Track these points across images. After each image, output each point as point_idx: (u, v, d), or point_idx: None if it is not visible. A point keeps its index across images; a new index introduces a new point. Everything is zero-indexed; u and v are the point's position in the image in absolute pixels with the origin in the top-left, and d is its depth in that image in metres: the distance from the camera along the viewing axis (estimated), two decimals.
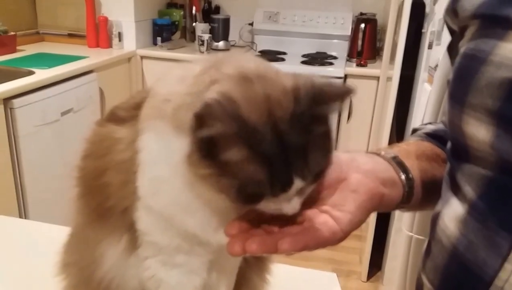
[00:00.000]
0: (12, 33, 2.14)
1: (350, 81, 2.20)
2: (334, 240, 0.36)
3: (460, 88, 0.40)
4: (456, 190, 0.42)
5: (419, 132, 0.55)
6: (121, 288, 0.42)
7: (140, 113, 0.38)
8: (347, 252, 2.12)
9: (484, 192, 0.39)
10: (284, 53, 2.49)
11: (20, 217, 1.64)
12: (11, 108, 1.56)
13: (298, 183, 0.32)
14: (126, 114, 0.39)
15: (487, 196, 0.39)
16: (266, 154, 0.30)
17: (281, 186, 0.32)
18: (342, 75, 2.16)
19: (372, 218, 1.80)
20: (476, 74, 0.38)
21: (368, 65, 2.27)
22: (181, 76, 0.36)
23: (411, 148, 0.50)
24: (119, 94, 2.25)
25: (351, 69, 2.21)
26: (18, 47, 2.18)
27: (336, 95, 0.33)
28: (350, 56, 2.39)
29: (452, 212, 0.42)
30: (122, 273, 0.41)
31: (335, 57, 2.43)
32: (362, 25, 2.32)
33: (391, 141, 1.67)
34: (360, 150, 0.48)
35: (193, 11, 2.65)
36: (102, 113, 2.10)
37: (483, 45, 0.39)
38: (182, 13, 2.67)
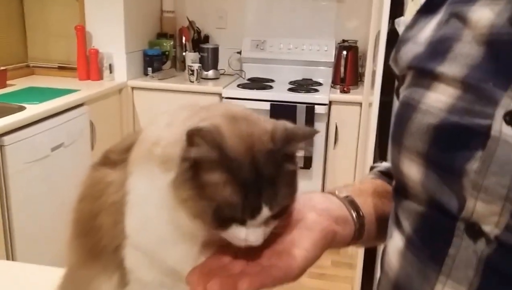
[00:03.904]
0: (3, 68, 2.16)
1: (334, 108, 2.26)
2: (291, 277, 0.38)
3: (398, 132, 0.44)
4: (398, 224, 0.45)
5: (374, 170, 0.59)
6: None
7: (129, 157, 0.41)
8: (340, 281, 2.13)
9: (417, 227, 0.42)
10: (272, 80, 2.56)
11: (8, 257, 1.62)
12: (1, 146, 1.55)
13: (265, 211, 0.36)
14: (118, 158, 0.42)
15: (420, 230, 0.42)
16: (242, 181, 0.35)
17: (251, 211, 0.35)
18: (327, 102, 2.23)
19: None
20: (409, 120, 0.43)
21: (351, 91, 2.34)
22: (169, 121, 0.40)
23: (364, 187, 0.53)
24: (109, 127, 2.27)
25: (335, 96, 2.27)
26: (8, 82, 2.18)
27: (304, 135, 0.39)
28: (334, 82, 2.46)
29: (395, 245, 0.45)
30: None
31: (320, 84, 2.50)
32: (344, 52, 2.40)
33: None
34: (316, 191, 0.52)
35: (183, 41, 2.71)
36: (93, 147, 2.11)
37: (415, 93, 0.43)
38: (172, 43, 2.73)
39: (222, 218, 0.35)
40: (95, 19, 2.42)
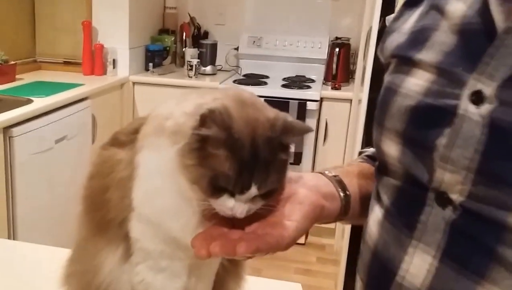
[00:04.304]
0: (13, 62, 2.25)
1: (325, 104, 2.35)
2: (283, 244, 0.42)
3: (380, 114, 0.49)
4: (378, 199, 0.50)
5: (362, 155, 0.64)
6: None
7: (138, 136, 0.45)
8: (323, 277, 2.19)
9: (394, 199, 0.47)
10: (267, 77, 2.65)
11: (9, 238, 1.67)
12: (10, 137, 1.62)
13: (253, 190, 0.40)
14: (126, 139, 0.46)
15: (396, 202, 0.47)
16: (240, 160, 0.39)
17: (241, 186, 0.39)
18: (318, 98, 2.31)
19: (345, 242, 1.85)
20: (390, 103, 0.47)
21: (342, 88, 2.42)
22: (179, 100, 0.44)
23: (351, 168, 0.59)
24: (110, 121, 2.33)
25: (326, 92, 2.36)
26: (17, 76, 2.27)
27: (300, 130, 0.43)
28: (326, 79, 2.54)
29: (375, 217, 0.50)
30: (118, 278, 0.47)
31: (313, 80, 2.58)
32: (337, 49, 2.47)
33: None
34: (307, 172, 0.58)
35: (184, 37, 2.78)
36: (94, 140, 2.19)
37: (396, 79, 0.48)
38: (173, 38, 2.79)
39: (216, 187, 0.39)
40: (101, 15, 2.48)
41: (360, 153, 0.65)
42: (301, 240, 2.46)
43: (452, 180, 0.41)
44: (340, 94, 2.36)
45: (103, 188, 0.46)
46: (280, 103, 2.26)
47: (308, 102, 2.29)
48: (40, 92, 2.04)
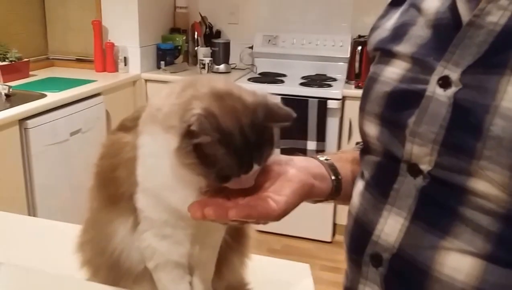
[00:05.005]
0: (26, 59, 2.26)
1: (348, 103, 2.28)
2: (273, 215, 0.46)
3: (363, 100, 0.55)
4: (361, 174, 0.56)
5: (358, 145, 0.67)
6: (128, 257, 0.52)
7: (139, 122, 0.49)
8: None
9: (374, 172, 0.53)
10: (284, 75, 2.59)
11: None
12: (25, 129, 1.68)
13: (255, 167, 0.45)
14: (131, 124, 0.51)
15: (375, 175, 0.53)
16: (236, 150, 0.43)
17: (245, 169, 0.44)
18: (340, 97, 2.24)
19: None
20: (371, 89, 0.54)
21: None
22: (168, 92, 0.48)
23: (345, 155, 0.64)
24: (124, 116, 2.31)
25: (349, 91, 2.28)
26: (30, 72, 2.30)
27: (281, 117, 0.46)
28: (348, 78, 2.48)
29: (358, 189, 0.56)
30: (129, 246, 0.51)
31: (334, 79, 2.51)
32: (359, 48, 2.41)
33: None
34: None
35: (195, 36, 2.76)
36: (108, 133, 2.19)
37: (377, 69, 0.54)
38: (184, 38, 2.78)
39: (223, 176, 0.44)
40: (111, 14, 2.50)
41: (357, 143, 0.69)
42: (328, 238, 2.41)
43: (421, 152, 0.46)
44: None
45: (112, 166, 0.50)
46: (299, 102, 2.20)
47: (328, 101, 2.22)
48: (53, 87, 2.05)
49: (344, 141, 2.31)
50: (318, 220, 2.34)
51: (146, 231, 0.50)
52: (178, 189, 0.46)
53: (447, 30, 0.47)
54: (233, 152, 0.42)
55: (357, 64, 2.40)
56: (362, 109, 0.55)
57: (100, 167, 0.52)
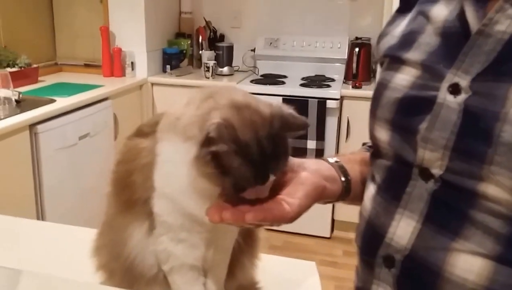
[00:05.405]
0: (35, 65, 2.32)
1: (346, 103, 2.33)
2: (287, 218, 0.48)
3: (373, 106, 0.57)
4: (372, 178, 0.58)
5: (365, 145, 0.70)
6: (143, 261, 0.53)
7: (157, 128, 0.50)
8: (350, 269, 2.19)
9: (385, 176, 0.55)
10: (285, 77, 2.65)
11: None
12: (35, 133, 1.71)
13: (271, 178, 0.46)
14: (149, 130, 0.52)
15: (387, 178, 0.54)
16: (253, 161, 0.44)
17: (261, 180, 0.45)
18: (339, 97, 2.30)
19: None
20: (381, 96, 0.55)
21: (364, 87, 2.40)
22: (187, 102, 0.50)
23: (354, 156, 0.65)
24: (131, 119, 2.39)
25: (347, 91, 2.34)
26: (39, 78, 2.35)
27: (296, 126, 0.48)
28: (346, 78, 2.53)
29: (369, 193, 0.57)
30: (144, 250, 0.52)
31: (332, 80, 2.57)
32: (356, 49, 2.47)
33: None
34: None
35: (200, 40, 2.82)
36: (116, 137, 2.24)
37: (387, 75, 0.55)
38: (189, 42, 2.84)
39: (240, 186, 0.45)
40: (118, 20, 2.56)
41: (363, 144, 0.71)
42: (327, 234, 2.46)
43: (432, 157, 0.47)
44: (361, 92, 2.34)
45: (129, 172, 0.51)
46: (299, 102, 2.25)
47: (328, 101, 2.28)
48: (62, 92, 2.10)
49: (342, 140, 2.36)
50: (317, 216, 2.39)
51: (163, 235, 0.51)
52: (195, 196, 0.47)
53: (456, 38, 0.48)
54: (250, 163, 0.43)
55: (354, 65, 2.46)
56: (373, 114, 0.56)
57: (117, 173, 0.53)
